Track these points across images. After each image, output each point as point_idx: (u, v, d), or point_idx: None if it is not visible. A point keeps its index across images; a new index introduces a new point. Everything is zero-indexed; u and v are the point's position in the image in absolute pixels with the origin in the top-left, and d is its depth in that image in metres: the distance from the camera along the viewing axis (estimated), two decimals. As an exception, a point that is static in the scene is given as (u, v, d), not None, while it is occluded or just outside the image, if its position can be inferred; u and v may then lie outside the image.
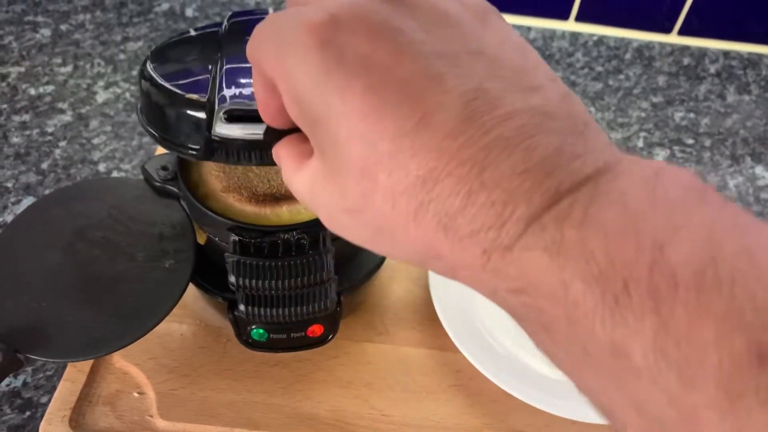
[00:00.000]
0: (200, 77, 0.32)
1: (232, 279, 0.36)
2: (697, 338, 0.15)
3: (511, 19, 0.77)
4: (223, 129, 0.30)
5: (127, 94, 0.66)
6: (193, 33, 0.35)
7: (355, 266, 0.43)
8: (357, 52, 0.19)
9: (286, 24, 0.21)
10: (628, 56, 0.76)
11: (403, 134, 0.19)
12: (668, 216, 0.17)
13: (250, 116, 0.30)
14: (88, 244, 0.39)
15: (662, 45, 0.77)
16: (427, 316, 0.48)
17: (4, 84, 0.66)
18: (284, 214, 0.38)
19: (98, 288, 0.38)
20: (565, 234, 0.17)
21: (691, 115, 0.71)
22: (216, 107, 0.30)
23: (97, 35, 0.72)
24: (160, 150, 0.58)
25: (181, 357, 0.45)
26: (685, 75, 0.75)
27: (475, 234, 0.19)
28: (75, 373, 0.43)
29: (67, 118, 0.64)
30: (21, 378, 0.46)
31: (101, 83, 0.67)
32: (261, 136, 0.30)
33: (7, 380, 0.45)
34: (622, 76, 0.74)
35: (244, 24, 0.33)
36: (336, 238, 0.38)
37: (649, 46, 0.77)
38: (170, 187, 0.41)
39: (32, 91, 0.66)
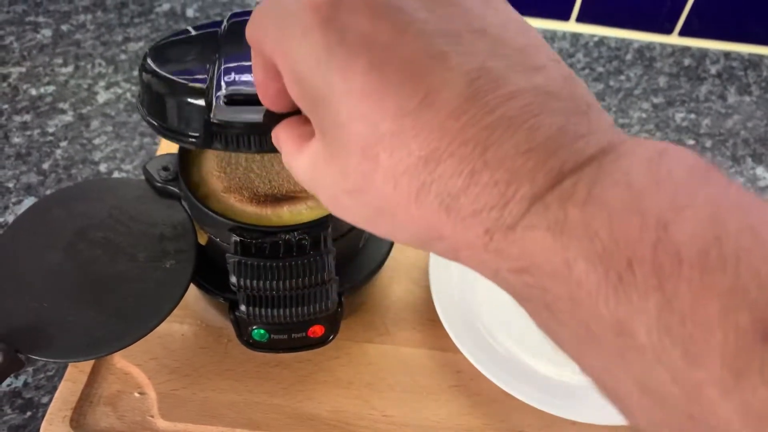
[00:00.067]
0: (200, 67, 0.32)
1: (233, 279, 0.36)
2: (701, 315, 0.15)
3: (512, 19, 0.77)
4: (223, 113, 0.30)
5: (128, 95, 0.66)
6: (193, 32, 0.35)
7: (356, 267, 0.43)
8: (359, 30, 0.19)
9: (287, 3, 0.21)
10: (628, 57, 0.76)
11: (405, 114, 0.19)
12: (672, 195, 0.17)
13: (250, 100, 0.30)
14: (89, 244, 0.39)
15: (663, 46, 0.77)
16: (427, 317, 0.48)
17: (5, 84, 0.66)
18: (285, 214, 0.38)
19: (99, 288, 0.38)
20: (569, 213, 0.17)
21: (692, 115, 0.71)
22: (215, 92, 0.30)
23: (98, 35, 0.72)
24: (161, 150, 0.58)
25: (182, 357, 0.45)
26: (685, 76, 0.75)
27: (477, 214, 0.18)
28: (76, 374, 0.43)
29: (68, 118, 0.64)
30: (22, 378, 0.46)
31: (102, 83, 0.67)
32: (260, 119, 0.30)
33: (7, 380, 0.45)
34: (622, 77, 0.74)
35: (244, 24, 0.33)
36: (337, 239, 0.38)
37: (649, 46, 0.77)
38: (171, 188, 0.41)
39: (33, 92, 0.66)
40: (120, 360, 0.44)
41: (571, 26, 0.77)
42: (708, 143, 0.68)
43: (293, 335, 0.41)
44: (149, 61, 0.33)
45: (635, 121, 0.70)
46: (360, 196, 0.21)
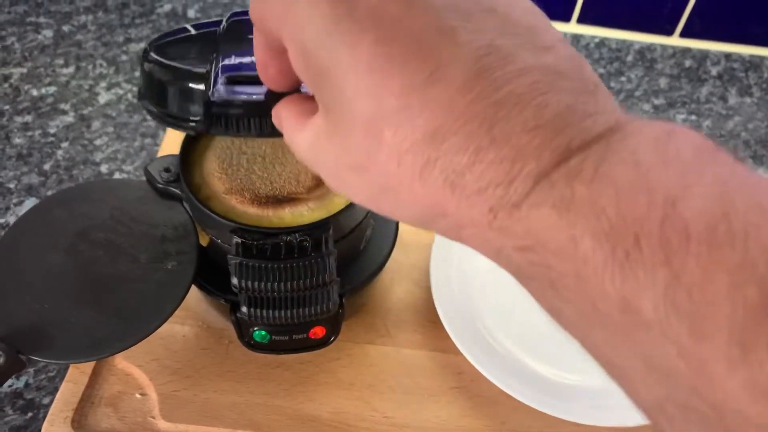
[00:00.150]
0: (201, 56, 0.32)
1: (234, 281, 0.36)
2: (709, 290, 0.15)
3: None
4: (223, 92, 0.30)
5: (129, 95, 0.66)
6: (192, 30, 0.35)
7: (357, 268, 0.43)
8: (368, 3, 0.19)
9: None
10: (629, 58, 0.76)
11: (412, 89, 0.19)
12: (680, 173, 0.16)
13: (251, 80, 0.30)
14: (90, 245, 0.40)
15: (664, 47, 0.77)
16: (428, 318, 0.48)
17: (6, 85, 0.67)
18: (286, 216, 0.38)
19: (100, 289, 0.38)
20: (575, 190, 0.17)
21: (693, 117, 0.71)
22: (216, 74, 0.30)
23: (99, 36, 0.72)
24: (162, 151, 0.58)
25: (184, 358, 0.45)
26: (686, 77, 0.75)
27: (482, 191, 0.18)
28: (77, 375, 0.43)
29: (69, 119, 0.64)
30: (23, 379, 0.46)
31: (103, 84, 0.67)
32: (261, 98, 0.30)
33: (9, 381, 0.45)
34: (623, 78, 0.74)
35: (244, 23, 0.33)
36: (338, 241, 0.38)
37: (650, 48, 0.77)
38: (173, 189, 0.41)
39: (34, 92, 0.66)
40: (121, 361, 0.44)
41: (572, 27, 0.77)
42: (709, 145, 0.68)
43: (294, 336, 0.41)
44: (151, 52, 0.33)
45: (636, 123, 0.70)
46: (363, 173, 0.21)
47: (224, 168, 0.39)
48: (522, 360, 0.46)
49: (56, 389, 0.44)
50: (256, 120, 0.31)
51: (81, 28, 0.73)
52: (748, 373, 0.14)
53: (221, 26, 0.33)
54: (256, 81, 0.26)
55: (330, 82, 0.20)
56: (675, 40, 0.77)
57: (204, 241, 0.40)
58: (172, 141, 0.58)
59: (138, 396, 0.43)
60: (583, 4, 0.74)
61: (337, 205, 0.38)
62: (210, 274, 0.40)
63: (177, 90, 0.32)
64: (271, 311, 0.37)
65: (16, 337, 0.35)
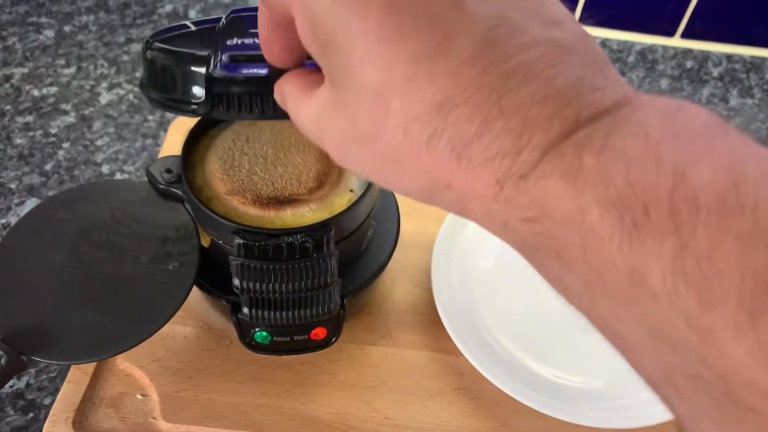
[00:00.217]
0: (202, 44, 0.33)
1: (235, 282, 0.36)
2: (718, 258, 0.15)
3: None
4: (225, 70, 0.30)
5: (131, 96, 0.66)
6: (192, 27, 0.35)
7: (358, 269, 0.43)
8: None
9: None
10: (631, 59, 0.76)
11: (421, 58, 0.18)
12: (690, 145, 0.16)
13: (253, 58, 0.30)
14: (92, 246, 0.40)
15: (665, 48, 0.77)
16: (429, 319, 0.48)
17: (7, 85, 0.67)
18: (288, 217, 0.38)
19: (102, 290, 0.38)
20: (584, 161, 0.17)
21: (694, 118, 0.71)
22: (219, 54, 0.30)
23: (100, 36, 0.72)
24: (163, 152, 0.58)
25: (185, 359, 0.45)
26: (688, 78, 0.75)
27: (489, 162, 0.18)
28: (78, 375, 0.43)
29: (71, 119, 0.64)
30: (24, 379, 0.46)
31: (105, 84, 0.67)
32: (263, 75, 0.29)
33: (10, 381, 0.45)
34: (624, 79, 0.74)
35: (243, 18, 0.33)
36: (339, 242, 0.38)
37: (652, 49, 0.77)
38: (174, 190, 0.41)
39: (36, 93, 0.66)
40: (122, 362, 0.44)
41: (574, 28, 0.77)
42: (710, 146, 0.68)
43: (295, 337, 0.41)
44: (153, 42, 0.34)
45: (637, 124, 0.70)
46: (369, 144, 0.21)
47: (226, 169, 0.39)
48: (523, 361, 0.45)
49: (57, 390, 0.44)
50: (258, 100, 0.30)
51: (82, 29, 0.73)
52: (756, 340, 0.14)
53: (221, 23, 0.33)
54: (258, 60, 0.26)
55: (337, 51, 0.20)
56: (676, 41, 0.77)
57: (205, 242, 0.40)
58: (173, 141, 0.58)
59: (139, 397, 0.43)
60: (585, 4, 0.74)
61: (338, 206, 0.38)
62: (211, 275, 0.40)
63: (179, 73, 0.32)
64: (272, 312, 0.37)
65: (17, 337, 0.35)
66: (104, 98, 0.66)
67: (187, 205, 0.41)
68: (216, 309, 0.45)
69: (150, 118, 0.64)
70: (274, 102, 0.28)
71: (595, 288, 0.17)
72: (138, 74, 0.68)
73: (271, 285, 0.36)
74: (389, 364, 0.46)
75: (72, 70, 0.69)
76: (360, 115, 0.20)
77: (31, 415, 0.44)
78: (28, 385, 0.46)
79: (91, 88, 0.67)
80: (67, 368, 0.44)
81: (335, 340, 0.42)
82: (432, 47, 0.18)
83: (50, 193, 0.57)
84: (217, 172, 0.39)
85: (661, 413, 0.41)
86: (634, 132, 0.17)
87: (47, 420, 0.42)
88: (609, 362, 0.46)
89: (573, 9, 0.75)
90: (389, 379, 0.45)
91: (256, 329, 0.40)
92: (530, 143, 0.18)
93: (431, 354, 0.46)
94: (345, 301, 0.40)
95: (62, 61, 0.69)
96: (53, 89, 0.66)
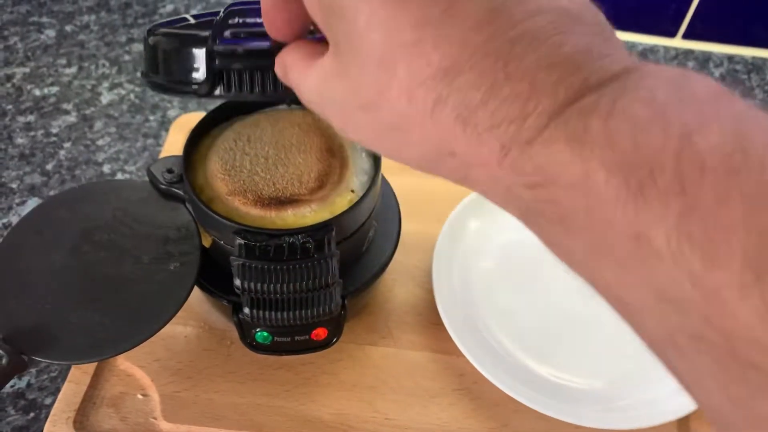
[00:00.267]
0: (201, 31, 0.33)
1: (237, 282, 0.36)
2: (723, 217, 0.15)
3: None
4: (226, 44, 0.30)
5: (132, 96, 0.66)
6: (192, 20, 0.35)
7: (359, 269, 0.43)
8: None
9: None
10: (632, 60, 0.76)
11: (427, 23, 0.18)
12: (697, 111, 0.17)
13: (255, 33, 0.30)
14: (93, 246, 0.40)
15: (666, 49, 0.77)
16: (430, 320, 0.48)
17: (9, 85, 0.67)
18: (289, 217, 0.38)
19: (103, 290, 0.38)
20: (590, 126, 0.17)
21: (695, 119, 0.71)
22: (220, 32, 0.31)
23: (101, 36, 0.72)
24: (164, 152, 0.58)
25: (186, 359, 0.45)
26: (689, 79, 0.75)
27: (495, 128, 0.18)
28: (79, 375, 0.43)
29: (72, 119, 0.64)
30: (25, 379, 0.46)
31: (106, 84, 0.67)
32: (265, 49, 0.29)
33: (11, 381, 0.45)
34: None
35: (242, 11, 0.33)
36: (340, 242, 0.38)
37: (653, 49, 0.77)
38: (176, 190, 0.41)
39: (37, 92, 0.66)
40: (123, 362, 0.44)
41: (575, 29, 0.77)
42: (711, 147, 0.68)
43: (296, 338, 0.41)
44: (155, 29, 0.34)
45: (638, 124, 0.70)
46: (373, 111, 0.21)
47: (227, 169, 0.39)
48: (524, 362, 0.45)
49: (58, 389, 0.44)
50: (259, 76, 0.30)
51: (84, 28, 0.73)
52: (761, 299, 0.14)
53: (218, 15, 0.34)
54: (260, 36, 0.26)
55: (342, 17, 0.20)
56: (678, 42, 0.77)
57: (206, 242, 0.40)
58: (174, 141, 0.58)
59: (140, 397, 0.43)
60: (586, 5, 0.74)
61: (339, 206, 0.38)
62: (212, 275, 0.40)
63: (180, 53, 0.32)
64: (273, 313, 0.37)
65: (18, 337, 0.35)
66: (105, 98, 0.66)
67: (188, 206, 0.41)
68: (217, 309, 0.45)
69: (151, 118, 0.64)
70: (276, 79, 0.28)
71: (600, 252, 0.17)
72: (139, 74, 0.68)
73: (272, 285, 0.36)
74: (390, 364, 0.46)
75: (73, 69, 0.69)
76: (364, 81, 0.20)
77: (32, 414, 0.44)
78: (29, 384, 0.46)
79: (93, 88, 0.67)
80: (68, 368, 0.44)
81: (336, 341, 0.42)
82: (438, 13, 0.18)
83: (51, 193, 0.57)
84: (219, 173, 0.39)
85: (662, 414, 0.41)
86: (641, 98, 0.17)
87: (48, 420, 0.42)
88: (610, 363, 0.46)
89: (574, 9, 0.75)
90: (390, 380, 0.45)
91: (257, 329, 0.40)
92: (536, 109, 0.18)
93: (432, 354, 0.46)
94: (346, 302, 0.40)
95: (63, 61, 0.69)
96: (54, 89, 0.66)
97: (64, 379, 0.44)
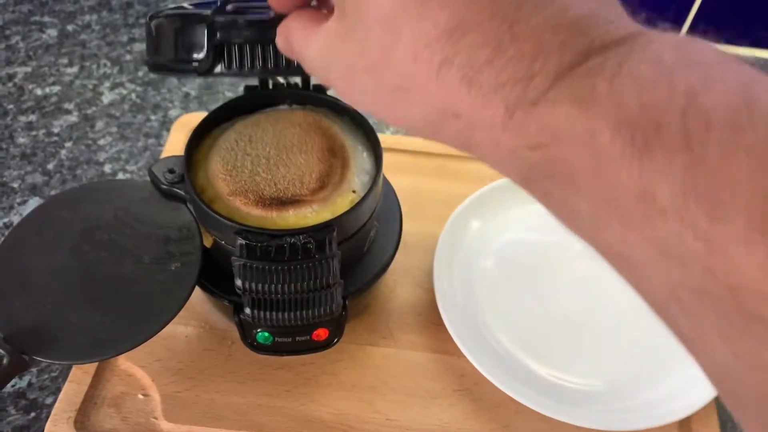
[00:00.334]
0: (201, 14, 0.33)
1: (238, 282, 0.36)
2: (729, 173, 0.15)
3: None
4: (228, 15, 0.30)
5: (133, 95, 0.66)
6: (190, 8, 0.35)
7: (360, 270, 0.43)
8: None
9: None
10: (633, 60, 0.76)
11: None
12: (703, 72, 0.17)
13: (255, 8, 0.30)
14: (94, 245, 0.40)
15: (668, 49, 0.77)
16: (431, 320, 0.48)
17: (10, 84, 0.67)
18: (290, 218, 0.38)
19: (104, 290, 0.38)
20: (596, 86, 0.17)
21: (697, 120, 0.71)
22: (221, 4, 0.31)
23: (103, 36, 0.73)
24: (166, 152, 0.58)
25: (186, 359, 0.45)
26: (690, 80, 0.75)
27: (500, 88, 0.18)
28: (80, 375, 0.43)
29: (73, 118, 0.64)
30: (26, 379, 0.46)
31: (107, 84, 0.67)
32: (265, 19, 0.29)
33: (12, 381, 0.45)
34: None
35: None
36: (342, 243, 0.38)
37: (654, 50, 0.77)
38: (177, 190, 0.41)
39: (38, 92, 0.66)
40: (124, 361, 0.44)
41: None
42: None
43: (297, 338, 0.41)
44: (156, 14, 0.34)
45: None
46: (377, 73, 0.21)
47: (228, 170, 0.39)
48: (525, 363, 0.45)
49: (59, 389, 0.44)
50: (260, 51, 0.30)
51: (85, 28, 0.73)
52: (766, 254, 0.14)
53: (217, 2, 0.34)
54: (260, 9, 0.26)
55: None
56: (679, 43, 0.77)
57: (208, 242, 0.40)
58: (175, 141, 0.58)
59: (140, 396, 0.43)
60: (588, 6, 0.74)
61: (341, 207, 0.38)
62: (213, 275, 0.40)
63: (182, 32, 0.32)
64: (274, 313, 0.37)
65: (19, 337, 0.35)
66: (107, 98, 0.66)
67: (189, 206, 0.41)
68: (218, 309, 0.45)
69: (152, 117, 0.64)
70: (277, 54, 0.28)
71: (604, 210, 0.17)
72: (141, 74, 0.69)
73: (273, 286, 0.36)
74: (391, 364, 0.46)
75: (75, 69, 0.69)
76: (369, 42, 0.20)
77: (32, 414, 0.44)
78: (29, 384, 0.46)
79: (94, 88, 0.67)
80: (69, 368, 0.44)
81: (337, 341, 0.42)
82: None
83: (52, 193, 0.57)
84: (220, 173, 0.39)
85: (663, 416, 0.41)
86: (647, 60, 0.17)
87: (49, 419, 0.42)
88: (611, 364, 0.46)
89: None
90: (391, 380, 0.45)
91: (258, 330, 0.40)
92: (542, 69, 0.18)
93: (433, 355, 0.46)
94: (347, 302, 0.40)
95: (65, 61, 0.69)
96: (56, 88, 0.67)
97: (65, 379, 0.44)
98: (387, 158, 0.40)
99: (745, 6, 0.72)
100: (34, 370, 0.46)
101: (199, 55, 0.32)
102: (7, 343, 0.35)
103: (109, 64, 0.69)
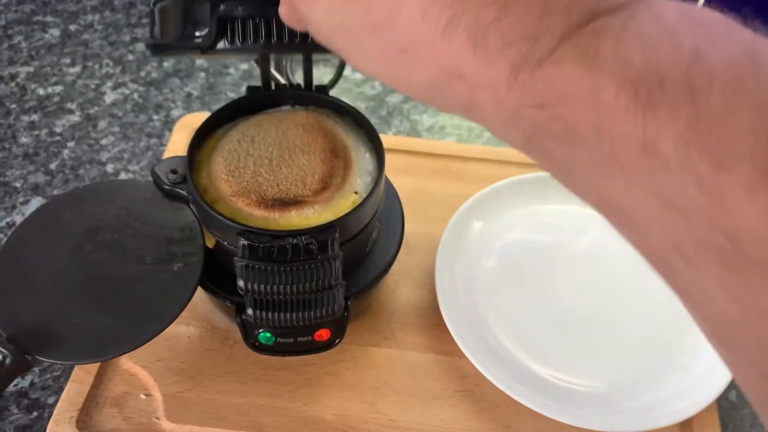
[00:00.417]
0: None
1: (240, 283, 0.36)
2: (732, 123, 0.15)
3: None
4: None
5: (136, 95, 0.66)
6: None
7: (362, 271, 0.43)
8: None
9: None
10: (635, 61, 0.76)
11: None
12: (707, 32, 0.17)
13: None
14: (97, 246, 0.40)
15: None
16: (433, 321, 0.48)
17: (13, 84, 0.67)
18: (293, 219, 0.38)
19: (107, 290, 0.38)
20: (601, 46, 0.17)
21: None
22: None
23: (105, 36, 0.73)
24: (168, 152, 0.58)
25: (189, 359, 0.45)
26: (692, 81, 0.75)
27: (506, 47, 0.18)
28: (82, 374, 0.44)
29: (76, 118, 0.64)
30: (28, 378, 0.46)
31: (110, 84, 0.67)
32: None
33: (14, 380, 0.45)
34: None
35: None
36: (344, 243, 0.38)
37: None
38: (179, 191, 0.41)
39: (41, 91, 0.66)
40: (126, 361, 0.44)
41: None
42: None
43: (299, 339, 0.41)
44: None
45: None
46: (383, 33, 0.21)
47: (231, 170, 0.39)
48: (526, 364, 0.45)
49: (61, 389, 0.44)
50: (263, 24, 0.30)
51: (88, 28, 0.73)
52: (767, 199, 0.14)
53: None
54: None
55: None
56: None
57: (210, 242, 0.40)
58: (177, 141, 0.58)
59: (143, 396, 0.43)
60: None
61: (343, 207, 0.38)
62: (216, 275, 0.40)
63: (185, 9, 0.33)
64: (276, 314, 0.37)
65: (22, 337, 0.35)
66: (109, 97, 0.66)
67: (192, 206, 0.41)
68: (220, 310, 0.45)
69: (155, 117, 0.64)
70: (280, 28, 0.27)
71: (607, 165, 0.18)
72: (143, 73, 0.69)
73: (275, 286, 0.36)
74: (392, 365, 0.46)
75: (77, 69, 0.69)
76: (376, 1, 0.20)
77: (35, 414, 0.45)
78: (32, 384, 0.46)
79: (96, 87, 0.67)
80: (71, 367, 0.44)
81: (339, 342, 0.42)
82: None
83: (55, 192, 0.57)
84: (223, 173, 0.39)
85: (664, 417, 0.41)
86: (652, 21, 0.18)
87: (51, 419, 0.42)
88: (612, 365, 0.46)
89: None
90: (392, 381, 0.45)
91: (260, 330, 0.40)
92: (549, 29, 0.18)
93: (434, 356, 0.47)
94: (349, 303, 0.41)
95: (67, 60, 0.69)
96: (58, 88, 0.67)
97: (67, 379, 0.44)
98: (389, 159, 0.40)
99: (746, 7, 0.72)
100: (36, 369, 0.46)
101: (202, 32, 0.32)
102: (10, 342, 0.35)
103: (111, 63, 0.70)
